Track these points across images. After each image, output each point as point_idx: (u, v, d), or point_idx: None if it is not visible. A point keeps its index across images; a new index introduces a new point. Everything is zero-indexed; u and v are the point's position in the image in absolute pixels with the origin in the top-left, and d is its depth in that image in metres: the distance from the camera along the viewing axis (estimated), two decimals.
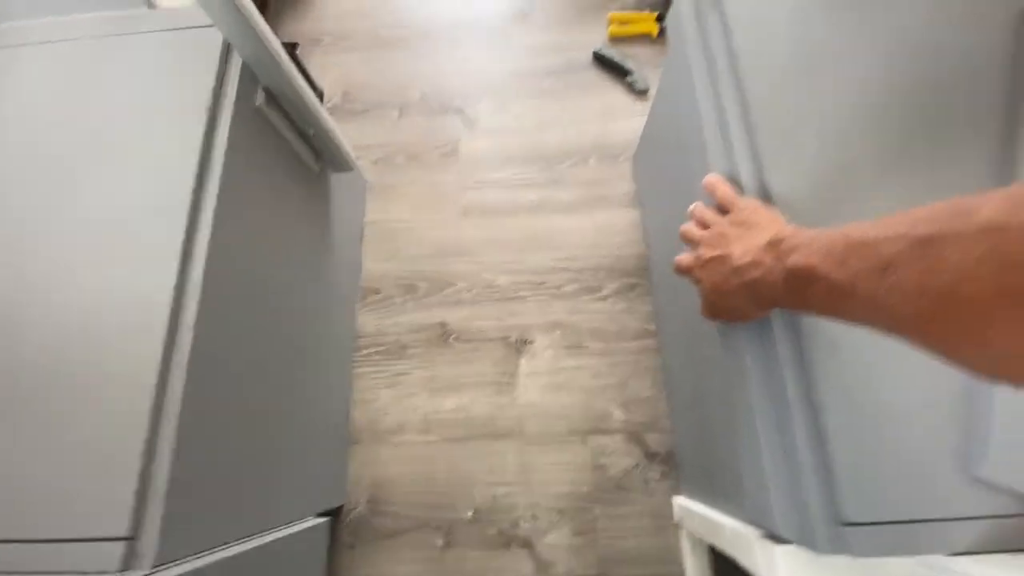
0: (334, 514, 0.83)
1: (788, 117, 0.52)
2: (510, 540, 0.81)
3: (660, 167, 0.84)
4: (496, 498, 0.84)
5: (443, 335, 0.94)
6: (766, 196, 0.49)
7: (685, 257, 0.50)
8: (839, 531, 0.39)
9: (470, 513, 0.83)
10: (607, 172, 1.05)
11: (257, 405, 0.62)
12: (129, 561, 0.41)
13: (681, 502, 0.77)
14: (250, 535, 0.58)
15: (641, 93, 1.09)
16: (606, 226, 1.00)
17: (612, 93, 1.11)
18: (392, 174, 1.07)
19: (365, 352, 0.94)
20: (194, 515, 0.48)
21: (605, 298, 0.95)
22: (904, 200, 0.47)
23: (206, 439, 0.51)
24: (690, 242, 0.50)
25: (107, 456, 0.43)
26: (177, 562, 0.45)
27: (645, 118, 0.94)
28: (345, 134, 0.82)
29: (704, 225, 0.49)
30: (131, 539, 0.41)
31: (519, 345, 0.92)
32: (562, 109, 1.11)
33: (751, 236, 0.42)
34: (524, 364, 0.91)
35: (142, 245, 0.51)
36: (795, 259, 0.34)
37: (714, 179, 0.51)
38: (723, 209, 0.49)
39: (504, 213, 1.03)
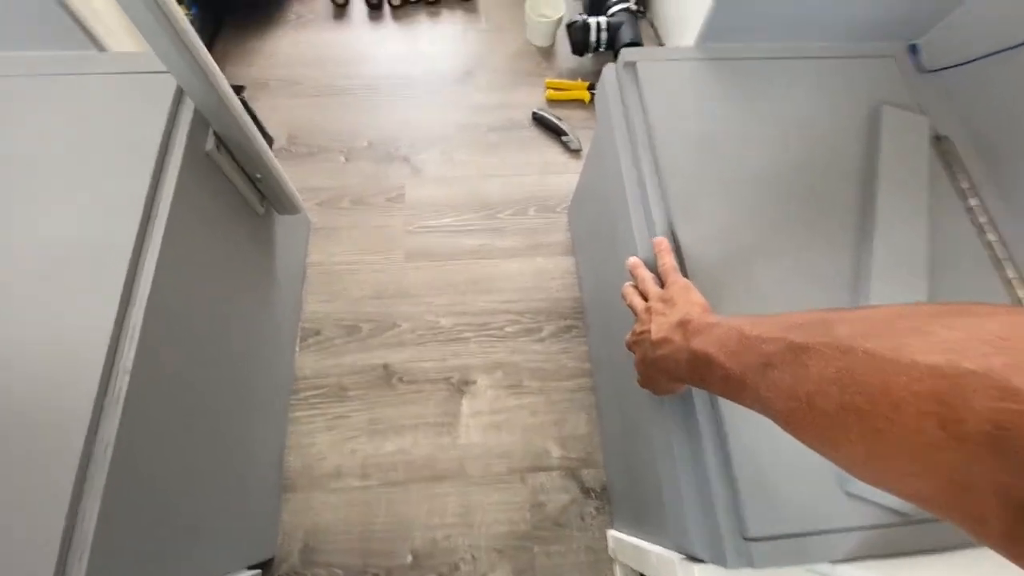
0: (265, 566, 0.79)
1: (693, 183, 0.61)
2: None
3: (591, 219, 0.92)
4: (436, 541, 0.84)
5: (386, 376, 0.95)
6: (676, 245, 0.57)
7: (629, 335, 0.52)
8: (744, 546, 0.44)
9: (409, 558, 0.82)
10: (545, 221, 1.12)
11: (189, 451, 0.60)
12: None
13: (614, 534, 0.80)
14: None
15: (575, 152, 1.19)
16: (544, 271, 1.07)
17: (549, 150, 1.21)
18: (337, 217, 1.09)
19: (303, 395, 0.93)
20: (119, 568, 0.46)
21: (543, 339, 1.00)
22: (782, 256, 0.56)
23: (135, 487, 0.49)
24: (629, 307, 0.53)
25: (31, 502, 0.41)
26: None
27: (579, 174, 1.04)
28: (290, 176, 0.84)
29: (645, 296, 0.52)
30: None
31: (461, 385, 0.95)
32: (504, 162, 1.18)
33: (669, 315, 0.44)
34: (466, 404, 0.93)
35: (82, 286, 0.50)
36: (697, 343, 0.37)
37: (661, 245, 0.54)
38: (661, 281, 0.52)
39: (447, 257, 1.07)
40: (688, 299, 0.45)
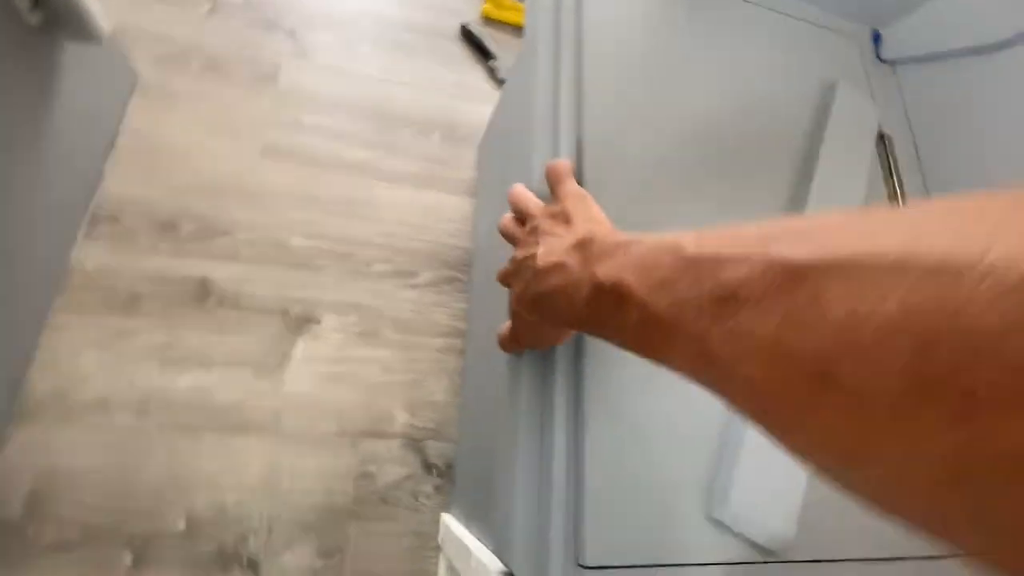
0: None
1: (618, 107, 0.48)
2: (231, 560, 0.64)
3: (496, 156, 0.77)
4: (225, 507, 0.66)
5: (201, 294, 0.73)
6: (580, 174, 0.44)
7: (504, 267, 0.39)
8: (575, 573, 0.33)
9: (182, 524, 0.64)
10: (450, 152, 0.95)
11: None
12: None
13: (447, 521, 0.69)
14: None
15: (500, 82, 1.02)
16: (436, 209, 0.91)
17: (472, 73, 1.03)
18: (180, 79, 0.84)
19: (76, 296, 0.69)
20: None
21: (417, 286, 0.85)
22: (708, 216, 0.46)
23: None
24: (509, 240, 0.40)
25: None
26: None
27: None
28: (129, 9, 0.59)
29: (523, 220, 0.39)
30: None
31: (301, 323, 0.77)
32: (415, 71, 0.99)
33: (564, 235, 0.32)
34: (302, 347, 0.76)
35: None
36: (605, 270, 0.25)
37: (555, 163, 0.40)
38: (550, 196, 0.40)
39: (319, 165, 0.86)
40: (588, 213, 0.33)
